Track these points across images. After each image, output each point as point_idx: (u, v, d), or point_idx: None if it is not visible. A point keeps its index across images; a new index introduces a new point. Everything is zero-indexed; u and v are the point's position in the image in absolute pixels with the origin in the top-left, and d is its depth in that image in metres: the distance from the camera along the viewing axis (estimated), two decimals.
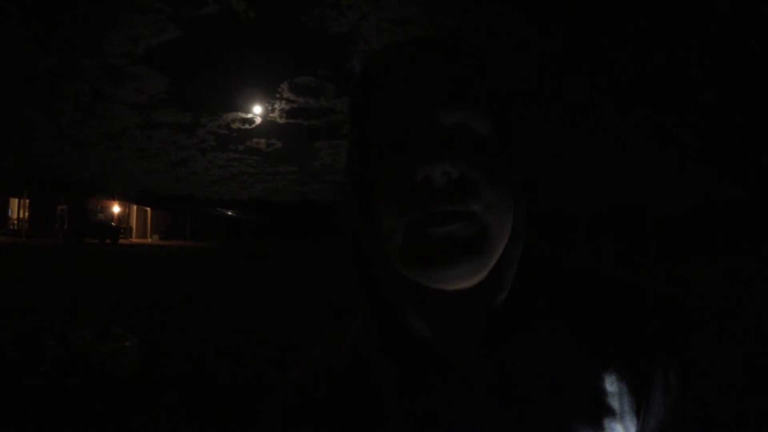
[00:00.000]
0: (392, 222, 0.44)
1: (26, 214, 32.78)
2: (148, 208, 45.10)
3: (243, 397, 3.76)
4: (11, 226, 34.36)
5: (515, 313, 0.47)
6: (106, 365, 4.24)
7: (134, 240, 39.80)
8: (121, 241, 33.76)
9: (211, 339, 5.86)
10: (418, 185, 0.42)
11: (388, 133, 0.46)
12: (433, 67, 0.46)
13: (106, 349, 4.35)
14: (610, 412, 0.43)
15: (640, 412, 0.44)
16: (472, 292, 0.46)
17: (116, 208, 38.98)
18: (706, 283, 10.87)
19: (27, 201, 32.71)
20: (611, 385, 0.44)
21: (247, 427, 3.18)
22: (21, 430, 3.16)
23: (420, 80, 0.46)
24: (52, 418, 3.32)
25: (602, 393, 0.44)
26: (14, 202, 35.41)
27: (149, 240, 41.50)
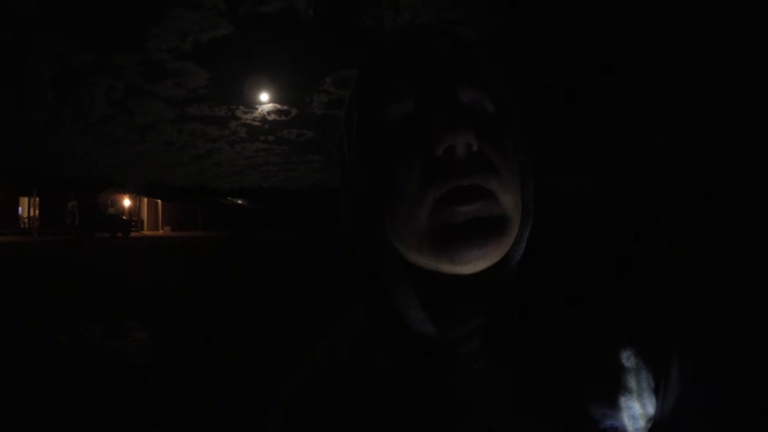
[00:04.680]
0: (417, 198, 0.42)
1: (36, 212, 32.88)
2: (159, 200, 45.20)
3: (256, 389, 3.63)
4: (22, 225, 34.58)
5: (521, 294, 0.46)
6: (120, 359, 4.13)
7: (146, 232, 39.97)
8: (133, 233, 33.89)
9: (224, 330, 5.73)
10: (440, 158, 0.42)
11: (407, 108, 0.45)
12: (448, 49, 0.47)
13: (119, 343, 4.24)
14: (626, 390, 0.43)
15: (659, 390, 0.44)
16: (481, 276, 0.44)
17: (127, 202, 39.02)
18: (717, 264, 10.54)
19: (37, 199, 32.78)
20: (627, 360, 0.43)
21: (259, 419, 3.07)
22: (35, 427, 3.05)
23: (439, 59, 0.46)
24: (66, 413, 3.22)
25: (617, 370, 0.43)
26: (24, 201, 35.55)
27: (161, 232, 41.66)
